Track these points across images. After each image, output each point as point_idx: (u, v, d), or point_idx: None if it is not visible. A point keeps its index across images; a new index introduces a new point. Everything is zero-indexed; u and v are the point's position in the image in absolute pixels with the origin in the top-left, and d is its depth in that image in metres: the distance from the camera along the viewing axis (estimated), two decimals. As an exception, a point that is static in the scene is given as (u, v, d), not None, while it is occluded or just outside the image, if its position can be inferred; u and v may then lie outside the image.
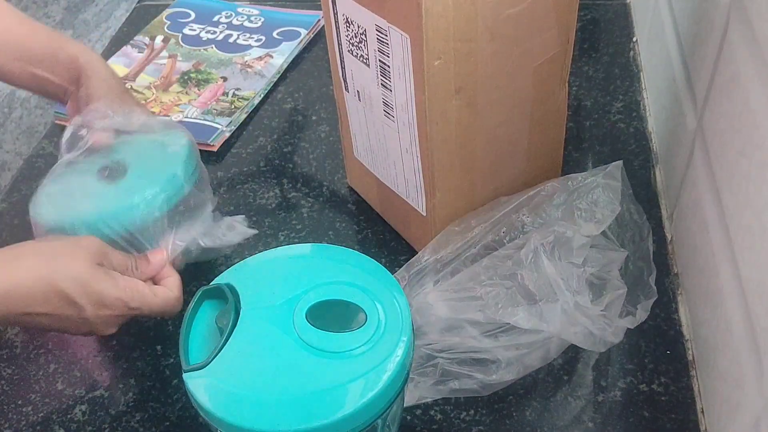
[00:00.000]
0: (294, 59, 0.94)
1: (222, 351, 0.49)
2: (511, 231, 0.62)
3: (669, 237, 0.70)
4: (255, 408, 0.47)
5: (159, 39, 0.98)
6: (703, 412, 0.59)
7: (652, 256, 0.63)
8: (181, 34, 0.98)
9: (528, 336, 0.57)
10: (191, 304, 0.53)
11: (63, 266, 0.57)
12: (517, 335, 0.57)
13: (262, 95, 0.89)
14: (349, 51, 0.63)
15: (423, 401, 0.58)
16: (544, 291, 0.57)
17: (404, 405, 0.57)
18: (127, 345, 0.66)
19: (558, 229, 0.59)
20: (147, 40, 0.98)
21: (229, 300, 0.52)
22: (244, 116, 0.87)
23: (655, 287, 0.61)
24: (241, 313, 0.51)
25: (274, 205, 0.77)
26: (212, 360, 0.49)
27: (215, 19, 1.00)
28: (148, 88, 0.91)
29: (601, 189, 0.63)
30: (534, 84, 0.64)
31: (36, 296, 0.56)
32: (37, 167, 0.84)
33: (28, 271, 0.56)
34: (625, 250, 0.61)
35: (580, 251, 0.58)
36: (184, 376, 0.49)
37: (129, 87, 0.89)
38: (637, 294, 0.59)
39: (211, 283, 0.54)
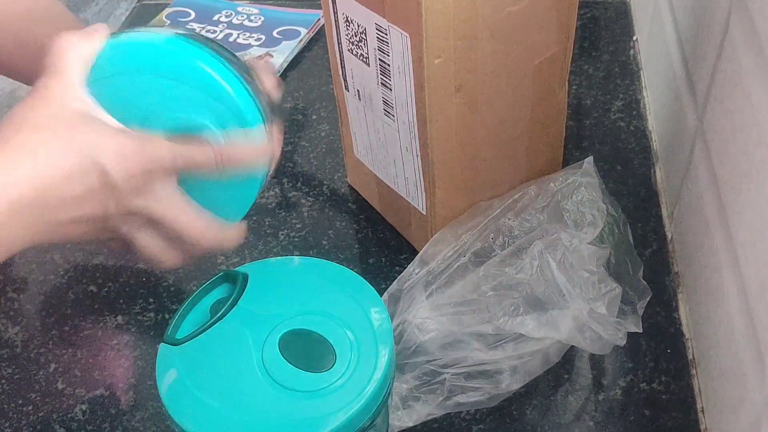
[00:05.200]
0: (294, 58, 0.94)
1: (199, 338, 0.50)
2: (500, 237, 0.62)
3: (669, 236, 0.70)
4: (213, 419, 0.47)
5: (159, 38, 0.98)
6: (703, 411, 0.59)
7: (634, 248, 0.64)
8: (180, 34, 0.98)
9: (534, 344, 0.57)
10: (209, 282, 0.53)
11: (82, 132, 0.50)
12: (524, 343, 0.57)
13: (262, 94, 0.89)
14: (349, 50, 0.63)
15: (431, 417, 0.58)
16: (553, 299, 0.57)
17: (412, 425, 0.57)
18: (127, 344, 0.66)
19: (562, 236, 0.59)
20: (147, 39, 0.98)
21: (233, 292, 0.52)
22: (244, 115, 0.86)
23: (645, 283, 0.61)
24: (233, 309, 0.52)
25: (274, 204, 0.76)
26: (187, 341, 0.50)
27: (215, 18, 1.00)
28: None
29: (584, 188, 0.63)
30: (534, 82, 0.63)
31: (71, 175, 0.49)
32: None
33: (44, 145, 0.48)
34: (607, 245, 0.61)
35: (592, 258, 0.58)
36: (161, 345, 0.50)
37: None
38: (627, 291, 0.59)
39: (237, 269, 0.54)
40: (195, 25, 0.99)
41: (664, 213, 0.72)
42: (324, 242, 0.73)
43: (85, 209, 0.50)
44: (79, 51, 0.53)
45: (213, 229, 0.57)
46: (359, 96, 0.66)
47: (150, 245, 0.56)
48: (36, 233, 0.50)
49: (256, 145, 0.56)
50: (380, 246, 0.72)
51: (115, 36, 0.55)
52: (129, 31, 0.57)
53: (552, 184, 0.64)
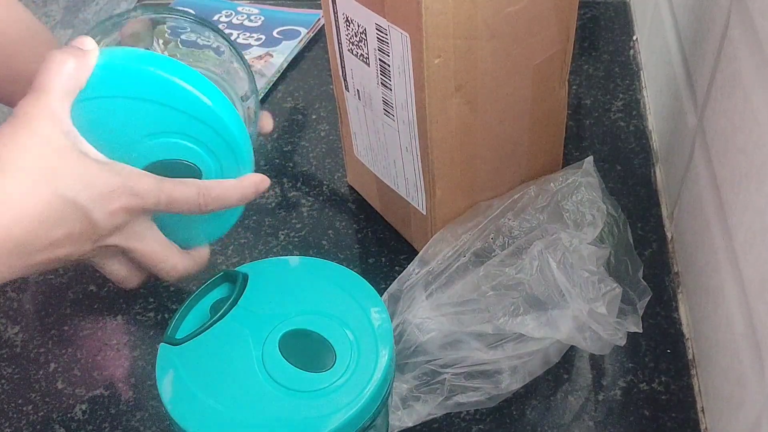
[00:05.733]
0: (294, 58, 0.94)
1: (199, 337, 0.50)
2: (500, 237, 0.62)
3: (669, 236, 0.70)
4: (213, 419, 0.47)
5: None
6: (703, 410, 0.59)
7: (634, 248, 0.64)
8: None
9: (534, 344, 0.57)
10: (209, 282, 0.53)
11: (63, 168, 0.49)
12: (524, 343, 0.57)
13: (262, 94, 0.89)
14: (349, 50, 0.63)
15: (431, 417, 0.58)
16: (553, 299, 0.57)
17: (412, 425, 0.57)
18: (127, 344, 0.66)
19: (562, 236, 0.59)
20: (147, 39, 0.98)
21: (233, 292, 0.52)
22: (244, 115, 0.87)
23: (645, 283, 0.61)
24: (233, 309, 0.52)
25: (274, 204, 0.76)
26: (187, 341, 0.50)
27: (215, 18, 1.00)
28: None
29: (584, 188, 0.63)
30: (534, 82, 0.63)
31: (52, 220, 0.48)
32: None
33: (26, 189, 0.47)
34: (607, 245, 0.61)
35: (592, 258, 0.58)
36: (161, 345, 0.50)
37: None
38: (627, 291, 0.59)
39: (237, 269, 0.54)
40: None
41: (664, 213, 0.72)
42: (324, 242, 0.73)
43: (63, 251, 0.50)
44: (69, 73, 0.50)
45: (183, 263, 0.57)
46: (359, 96, 0.66)
47: (116, 271, 0.56)
48: (9, 274, 0.48)
49: (242, 190, 0.56)
50: (380, 246, 0.72)
51: (104, 55, 0.53)
52: (120, 48, 0.55)
53: (552, 184, 0.64)
